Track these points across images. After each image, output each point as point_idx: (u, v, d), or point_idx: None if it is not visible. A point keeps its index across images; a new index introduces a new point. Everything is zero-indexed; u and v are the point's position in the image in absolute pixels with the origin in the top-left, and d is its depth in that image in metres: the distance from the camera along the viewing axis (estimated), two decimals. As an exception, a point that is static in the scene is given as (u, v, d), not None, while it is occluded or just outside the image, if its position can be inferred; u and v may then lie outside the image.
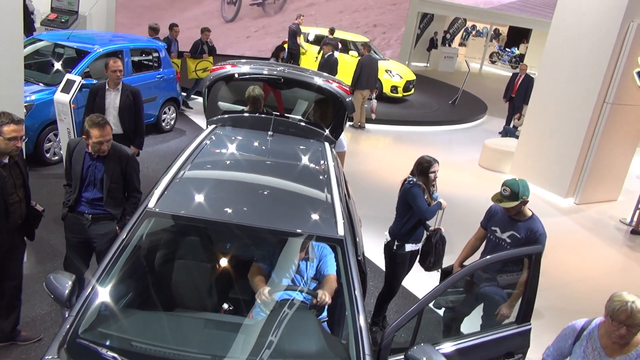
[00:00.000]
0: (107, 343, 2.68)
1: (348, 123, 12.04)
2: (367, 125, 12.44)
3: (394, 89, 14.89)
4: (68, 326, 2.69)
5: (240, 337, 2.91)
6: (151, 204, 3.22)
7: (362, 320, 2.91)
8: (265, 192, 3.64)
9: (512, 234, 4.04)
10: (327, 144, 4.79)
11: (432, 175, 4.49)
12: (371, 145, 11.86)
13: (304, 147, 4.65)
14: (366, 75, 11.90)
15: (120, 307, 3.00)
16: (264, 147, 4.55)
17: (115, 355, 2.57)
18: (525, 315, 3.52)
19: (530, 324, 3.54)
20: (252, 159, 4.25)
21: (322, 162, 4.26)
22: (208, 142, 4.34)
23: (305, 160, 4.41)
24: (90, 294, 2.84)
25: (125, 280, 3.10)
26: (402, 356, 2.92)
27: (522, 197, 3.95)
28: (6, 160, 3.72)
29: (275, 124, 4.80)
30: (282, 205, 3.51)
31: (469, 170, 10.53)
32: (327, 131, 5.18)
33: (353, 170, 9.48)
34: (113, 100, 5.91)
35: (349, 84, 11.94)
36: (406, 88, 15.10)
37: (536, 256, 3.47)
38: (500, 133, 13.23)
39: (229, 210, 3.29)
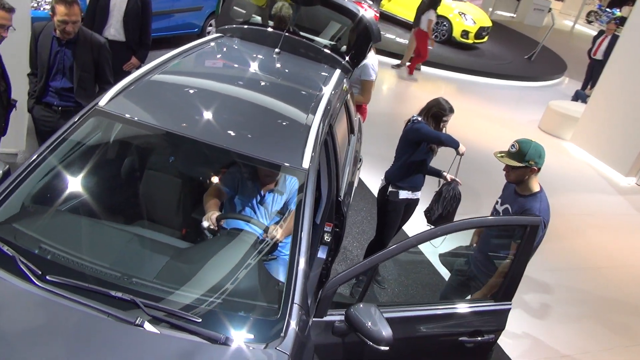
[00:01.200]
0: (13, 240, 2.45)
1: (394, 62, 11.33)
2: (424, 68, 11.65)
3: (465, 34, 13.83)
4: None
5: (163, 259, 2.63)
6: (102, 102, 2.92)
7: (301, 265, 2.56)
8: (237, 109, 3.24)
9: (506, 208, 3.43)
10: (338, 71, 4.28)
11: (442, 125, 3.99)
12: (427, 90, 11.10)
13: (309, 70, 4.18)
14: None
15: (45, 206, 2.76)
16: (263, 64, 4.11)
17: (16, 255, 2.34)
18: (506, 292, 3.03)
19: (510, 304, 3.05)
20: (242, 74, 3.84)
21: (320, 88, 3.80)
22: (203, 48, 3.96)
23: (301, 83, 3.95)
24: (11, 185, 2.61)
25: (60, 178, 2.84)
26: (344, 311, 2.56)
27: (528, 160, 3.23)
28: None
29: (290, 43, 4.34)
30: (250, 125, 3.12)
31: (524, 131, 9.64)
32: (347, 58, 4.67)
33: (395, 112, 8.93)
34: (119, 3, 5.24)
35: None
36: (478, 35, 14.00)
37: (531, 228, 2.94)
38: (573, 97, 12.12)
39: (186, 123, 2.93)
